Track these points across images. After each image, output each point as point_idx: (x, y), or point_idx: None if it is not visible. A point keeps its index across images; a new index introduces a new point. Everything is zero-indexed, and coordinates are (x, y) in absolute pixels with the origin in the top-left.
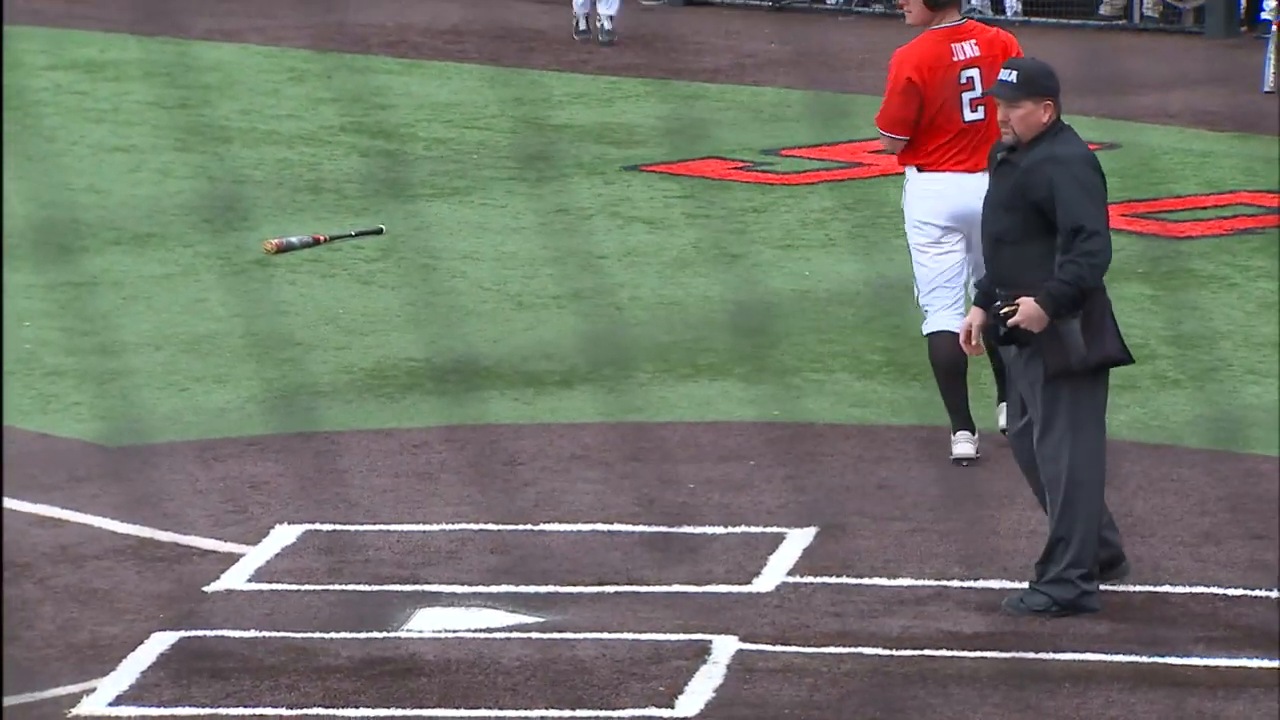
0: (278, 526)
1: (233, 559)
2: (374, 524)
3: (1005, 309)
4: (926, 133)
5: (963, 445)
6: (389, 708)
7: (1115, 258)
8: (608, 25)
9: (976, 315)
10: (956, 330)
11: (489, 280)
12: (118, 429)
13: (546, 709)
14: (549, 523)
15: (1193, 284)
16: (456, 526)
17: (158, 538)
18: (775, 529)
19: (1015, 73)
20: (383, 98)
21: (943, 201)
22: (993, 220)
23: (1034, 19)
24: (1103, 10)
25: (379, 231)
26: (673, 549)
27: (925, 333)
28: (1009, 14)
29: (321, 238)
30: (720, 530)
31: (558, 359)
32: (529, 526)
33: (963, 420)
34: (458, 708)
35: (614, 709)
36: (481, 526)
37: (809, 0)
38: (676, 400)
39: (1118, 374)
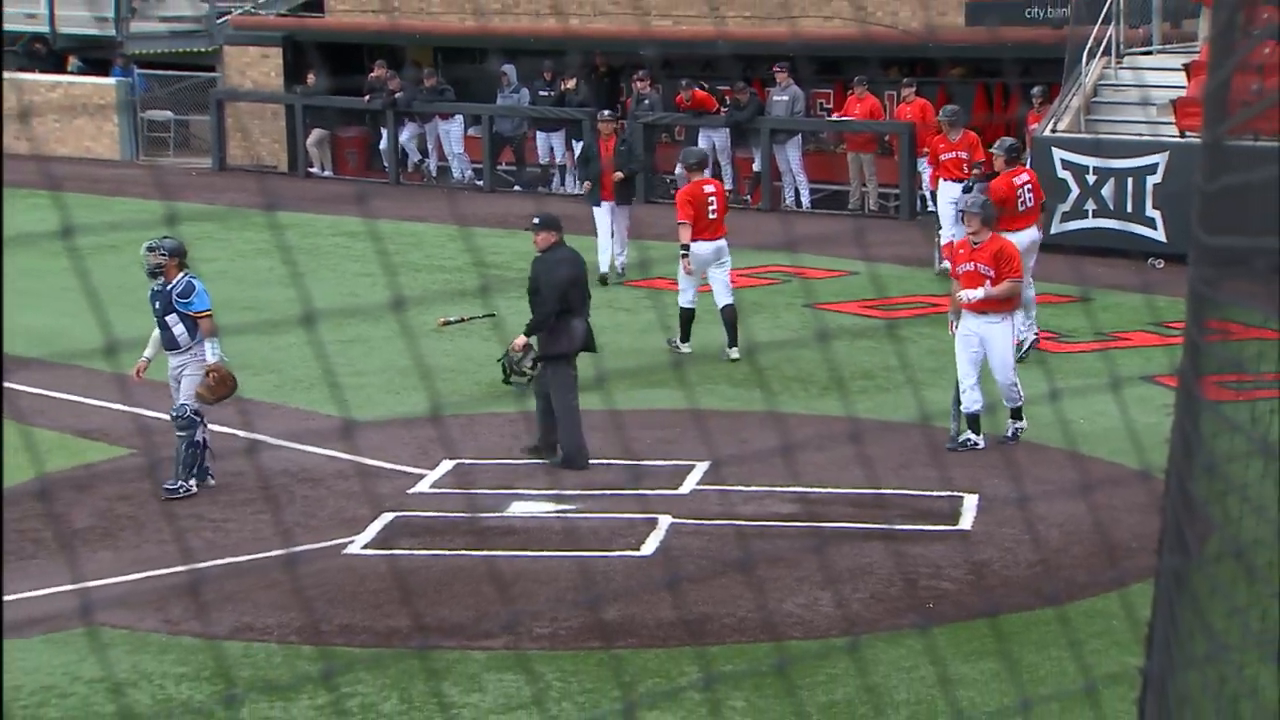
0: (443, 460)
1: (420, 476)
2: (489, 459)
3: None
4: (696, 223)
5: (685, 348)
6: (497, 550)
7: (862, 326)
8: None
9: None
10: (692, 306)
11: None
12: (364, 412)
13: (575, 552)
14: None
15: (895, 340)
16: (530, 461)
17: (384, 465)
18: (689, 462)
19: (538, 219)
20: (493, 249)
21: (698, 259)
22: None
23: (816, 209)
24: (850, 206)
25: (492, 315)
26: (636, 472)
27: (680, 305)
28: (804, 206)
29: (464, 318)
30: (662, 463)
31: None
32: None
33: (685, 337)
34: (532, 550)
35: (609, 552)
36: (542, 461)
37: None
38: (639, 398)
39: (858, 384)
